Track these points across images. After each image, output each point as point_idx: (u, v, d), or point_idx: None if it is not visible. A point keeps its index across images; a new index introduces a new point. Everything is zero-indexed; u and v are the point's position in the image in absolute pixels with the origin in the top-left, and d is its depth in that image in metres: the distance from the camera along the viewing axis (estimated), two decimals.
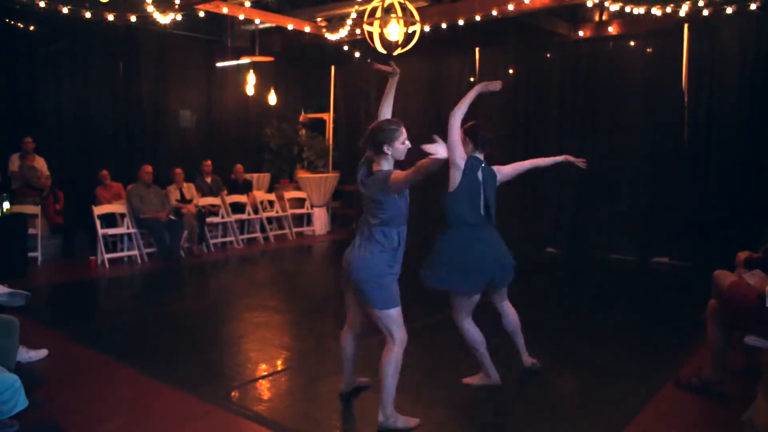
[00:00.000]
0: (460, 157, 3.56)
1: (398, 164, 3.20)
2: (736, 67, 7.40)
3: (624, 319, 5.46)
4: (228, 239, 9.31)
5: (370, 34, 6.10)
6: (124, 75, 9.10)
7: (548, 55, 9.00)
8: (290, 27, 8.80)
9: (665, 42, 7.94)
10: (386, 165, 3.13)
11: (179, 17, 7.70)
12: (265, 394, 3.81)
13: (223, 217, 9.25)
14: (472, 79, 9.63)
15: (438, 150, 2.93)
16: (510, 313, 3.91)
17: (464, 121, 3.62)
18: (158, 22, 7.64)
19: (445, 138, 3.24)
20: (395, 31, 5.95)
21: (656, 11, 7.15)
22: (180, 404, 3.59)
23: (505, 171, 3.86)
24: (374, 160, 3.16)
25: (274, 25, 9.23)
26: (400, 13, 5.89)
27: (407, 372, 4.02)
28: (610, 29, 8.37)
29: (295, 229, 10.28)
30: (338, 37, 8.90)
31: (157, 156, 9.25)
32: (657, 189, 8.03)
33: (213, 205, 9.17)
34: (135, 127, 9.24)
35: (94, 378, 4.00)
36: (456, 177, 3.58)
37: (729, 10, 7.03)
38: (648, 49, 8.12)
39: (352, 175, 11.46)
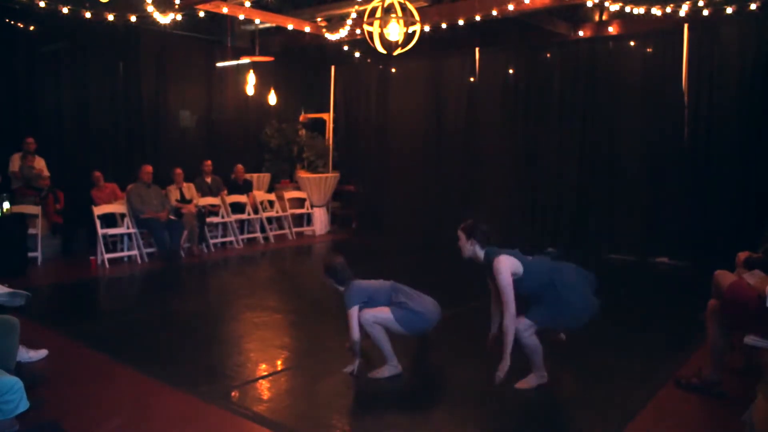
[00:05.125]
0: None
1: None
2: (736, 67, 7.40)
3: (624, 319, 5.46)
4: (228, 239, 9.30)
5: (370, 34, 6.09)
6: (124, 75, 9.10)
7: (548, 55, 9.00)
8: (290, 27, 8.79)
9: (665, 42, 7.93)
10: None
11: (179, 17, 7.69)
12: (265, 394, 3.80)
13: (223, 217, 9.25)
14: (471, 79, 9.64)
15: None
16: None
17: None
18: (158, 22, 7.64)
19: None
20: (395, 31, 5.94)
21: (656, 11, 7.14)
22: (180, 404, 3.59)
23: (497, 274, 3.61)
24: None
25: (274, 25, 9.23)
26: (400, 13, 5.88)
27: (407, 373, 4.03)
28: (610, 29, 8.36)
29: (295, 229, 10.28)
30: (338, 37, 8.90)
31: (157, 156, 9.25)
32: (657, 189, 8.02)
33: (213, 205, 9.17)
34: (135, 127, 9.23)
35: (94, 378, 4.00)
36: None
37: (729, 10, 7.03)
38: (648, 49, 8.12)
39: (352, 175, 11.57)
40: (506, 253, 3.54)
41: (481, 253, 3.62)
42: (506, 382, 3.75)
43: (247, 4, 7.76)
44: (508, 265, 3.45)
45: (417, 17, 6.03)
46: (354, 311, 3.79)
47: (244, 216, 9.57)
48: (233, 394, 3.74)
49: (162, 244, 7.97)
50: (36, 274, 7.22)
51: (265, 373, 4.15)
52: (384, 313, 3.81)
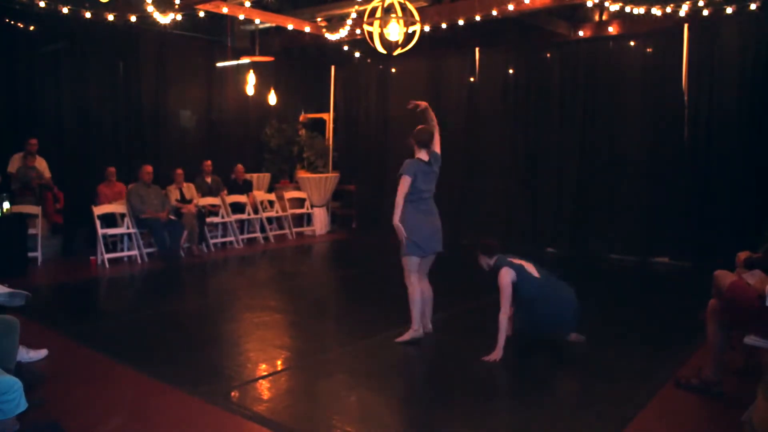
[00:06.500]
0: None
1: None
2: (736, 67, 7.40)
3: (624, 319, 5.46)
4: (228, 239, 9.30)
5: (370, 34, 6.09)
6: (124, 75, 9.09)
7: (548, 55, 9.00)
8: (290, 27, 8.80)
9: (665, 42, 7.94)
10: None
11: (179, 17, 7.70)
12: (265, 394, 3.80)
13: (223, 217, 9.25)
14: (472, 79, 9.64)
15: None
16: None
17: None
18: (158, 22, 7.64)
19: None
20: (395, 31, 5.94)
21: (656, 11, 7.15)
22: (180, 404, 3.59)
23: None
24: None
25: (274, 25, 9.23)
26: (400, 13, 5.88)
27: (404, 371, 4.03)
28: (610, 29, 8.37)
29: (295, 229, 10.28)
30: (338, 37, 8.90)
31: (157, 156, 9.25)
32: (657, 189, 8.02)
33: (213, 205, 9.17)
34: (135, 127, 9.22)
35: (94, 378, 3.99)
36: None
37: (729, 10, 7.03)
38: (648, 49, 8.12)
39: (352, 175, 11.56)
40: (509, 265, 4.41)
41: (492, 262, 4.53)
42: (508, 383, 3.76)
43: (247, 4, 7.76)
44: (507, 274, 4.35)
45: (417, 17, 6.04)
46: (406, 178, 4.72)
47: (244, 216, 9.57)
48: (233, 394, 3.74)
49: (162, 244, 7.97)
50: (36, 274, 7.22)
51: (265, 373, 4.15)
52: (408, 263, 4.68)
